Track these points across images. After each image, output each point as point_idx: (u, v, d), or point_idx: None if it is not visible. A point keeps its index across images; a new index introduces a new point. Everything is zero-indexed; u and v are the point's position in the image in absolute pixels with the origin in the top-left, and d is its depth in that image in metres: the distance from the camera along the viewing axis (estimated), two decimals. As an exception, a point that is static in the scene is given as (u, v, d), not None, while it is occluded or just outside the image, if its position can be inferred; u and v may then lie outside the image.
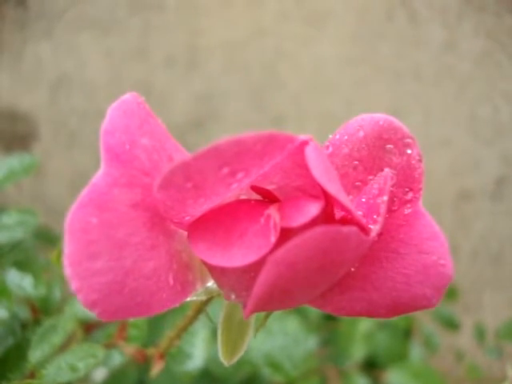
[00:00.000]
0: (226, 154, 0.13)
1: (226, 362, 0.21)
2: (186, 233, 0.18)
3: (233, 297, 0.18)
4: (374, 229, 0.15)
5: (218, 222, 0.16)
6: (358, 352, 0.67)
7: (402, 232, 0.17)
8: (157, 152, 0.16)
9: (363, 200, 0.17)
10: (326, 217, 0.15)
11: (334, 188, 0.14)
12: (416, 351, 0.74)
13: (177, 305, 0.17)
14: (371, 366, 0.70)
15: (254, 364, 0.46)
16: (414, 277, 0.16)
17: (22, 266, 0.55)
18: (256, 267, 0.15)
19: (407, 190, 0.17)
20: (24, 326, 0.53)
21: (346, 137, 0.18)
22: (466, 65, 0.90)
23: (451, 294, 0.98)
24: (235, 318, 0.20)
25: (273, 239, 0.15)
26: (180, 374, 0.47)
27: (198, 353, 0.45)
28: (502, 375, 0.79)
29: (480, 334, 0.88)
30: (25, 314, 0.54)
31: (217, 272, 0.17)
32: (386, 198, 0.15)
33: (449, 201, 1.00)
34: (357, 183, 0.18)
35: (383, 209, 0.15)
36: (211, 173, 0.14)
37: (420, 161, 0.17)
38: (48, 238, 0.85)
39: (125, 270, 0.15)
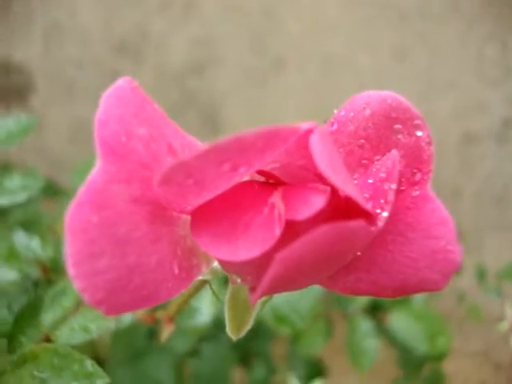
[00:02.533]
0: (226, 152, 0.13)
1: (233, 336, 0.21)
2: (189, 217, 0.17)
3: (238, 281, 0.18)
4: (382, 218, 0.15)
5: (221, 211, 0.15)
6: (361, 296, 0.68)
7: (410, 215, 0.16)
8: (155, 141, 0.15)
9: (370, 181, 0.17)
10: (332, 204, 0.15)
11: (341, 180, 0.13)
12: (418, 294, 0.76)
13: (183, 290, 0.17)
14: (375, 309, 0.71)
15: (260, 319, 0.48)
16: (422, 261, 0.16)
17: (29, 226, 0.56)
18: (261, 256, 0.15)
19: (415, 170, 0.17)
20: (36, 285, 0.54)
21: (351, 114, 0.17)
22: (473, 3, 0.85)
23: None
24: (241, 295, 0.20)
25: (278, 232, 0.14)
26: (188, 328, 0.48)
27: (205, 308, 0.46)
28: (501, 315, 0.81)
29: (481, 274, 0.90)
30: (36, 273, 0.55)
31: (221, 260, 0.17)
32: (394, 186, 0.15)
33: (453, 143, 0.99)
34: (363, 161, 0.18)
35: (391, 196, 0.15)
36: (212, 169, 0.13)
37: (430, 143, 0.16)
38: (52, 191, 0.85)
39: (128, 267, 0.15)
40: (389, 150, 0.17)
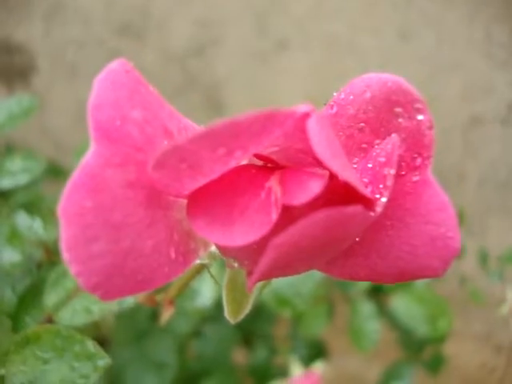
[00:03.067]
0: (221, 136, 0.12)
1: (231, 320, 0.21)
2: (185, 201, 0.17)
3: (235, 265, 0.18)
4: (380, 203, 0.14)
5: (217, 195, 0.15)
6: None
7: (409, 200, 0.16)
8: (150, 124, 0.15)
9: (369, 166, 0.16)
10: (330, 188, 0.14)
11: (338, 165, 0.13)
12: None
13: (180, 274, 0.17)
14: (376, 291, 0.72)
15: (262, 301, 0.48)
16: (421, 248, 0.16)
17: (31, 208, 0.56)
18: (257, 241, 0.15)
19: (416, 155, 0.16)
20: (39, 266, 0.55)
21: (351, 97, 0.17)
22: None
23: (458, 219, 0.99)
24: (239, 279, 0.20)
25: (274, 217, 0.14)
26: (189, 310, 0.49)
27: (206, 290, 0.47)
28: (502, 298, 0.82)
29: (483, 258, 0.90)
30: (39, 255, 0.56)
31: (218, 244, 0.17)
32: (393, 171, 0.14)
33: (459, 126, 0.98)
34: (363, 145, 0.17)
35: (390, 181, 0.14)
36: (206, 154, 0.13)
37: (431, 128, 0.16)
38: (55, 172, 0.85)
39: (124, 251, 0.14)
40: (389, 134, 0.17)
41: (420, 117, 0.16)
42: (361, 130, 0.17)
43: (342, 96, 0.17)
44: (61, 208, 0.14)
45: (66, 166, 0.84)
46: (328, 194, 0.14)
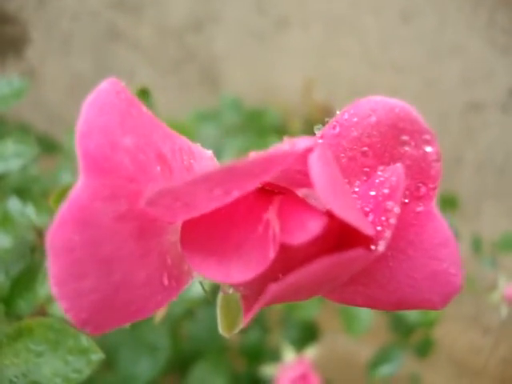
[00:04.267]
0: (218, 180, 0.12)
1: (225, 334, 0.21)
2: (180, 223, 0.16)
3: (230, 291, 0.17)
4: (382, 242, 0.14)
5: (213, 225, 0.15)
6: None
7: (413, 232, 0.15)
8: (142, 151, 0.14)
9: (372, 193, 0.16)
10: (330, 225, 0.14)
11: (339, 207, 0.12)
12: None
13: (174, 299, 0.17)
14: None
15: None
16: (422, 282, 0.15)
17: (23, 193, 0.55)
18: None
19: (420, 184, 0.16)
20: (32, 249, 0.54)
21: (355, 119, 0.16)
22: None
23: (451, 204, 0.99)
24: (233, 297, 0.20)
25: (272, 254, 0.13)
26: (184, 299, 0.49)
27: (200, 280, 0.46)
28: (493, 282, 0.82)
29: (477, 244, 0.90)
30: (32, 239, 0.55)
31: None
32: (397, 209, 0.14)
33: (457, 110, 0.97)
34: (365, 169, 0.17)
35: (393, 220, 0.14)
36: (202, 194, 0.12)
37: (438, 160, 0.15)
38: (49, 147, 0.84)
39: (114, 286, 0.14)
40: (394, 160, 0.16)
41: (428, 149, 0.15)
42: (364, 153, 0.16)
43: (346, 117, 0.16)
44: (48, 241, 0.13)
45: (60, 140, 0.82)
46: (328, 230, 0.14)
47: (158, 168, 0.15)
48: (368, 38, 0.93)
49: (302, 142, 0.13)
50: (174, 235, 0.17)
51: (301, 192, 0.17)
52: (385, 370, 0.75)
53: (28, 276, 0.51)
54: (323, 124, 0.18)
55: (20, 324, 0.33)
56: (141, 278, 0.14)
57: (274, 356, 0.70)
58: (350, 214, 0.12)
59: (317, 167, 0.12)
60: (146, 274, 0.15)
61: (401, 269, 0.16)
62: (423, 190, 0.16)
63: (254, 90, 1.07)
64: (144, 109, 0.15)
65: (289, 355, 0.63)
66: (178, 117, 0.90)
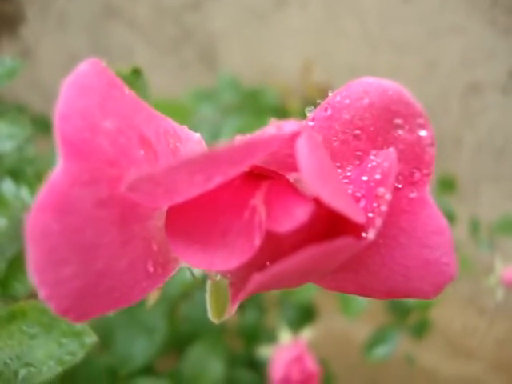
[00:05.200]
0: (199, 166, 0.11)
1: (215, 321, 0.20)
2: (165, 208, 0.16)
3: (218, 278, 0.17)
4: (372, 230, 0.13)
5: (198, 210, 0.14)
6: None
7: (405, 219, 0.15)
8: (123, 134, 0.14)
9: (364, 178, 0.15)
10: (318, 211, 0.13)
11: (328, 195, 0.12)
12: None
13: (160, 286, 0.16)
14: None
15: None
16: (414, 270, 0.15)
17: (17, 175, 0.54)
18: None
19: (414, 169, 0.15)
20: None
21: (347, 101, 0.15)
22: None
23: (449, 185, 0.99)
24: (221, 284, 0.19)
25: (257, 242, 0.13)
26: (180, 282, 0.49)
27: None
28: (489, 264, 0.82)
29: (474, 227, 0.90)
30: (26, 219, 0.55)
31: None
32: (389, 196, 0.13)
33: (457, 91, 0.96)
34: (358, 152, 0.16)
35: (384, 207, 0.13)
36: (184, 180, 0.12)
37: (432, 145, 0.15)
38: (46, 127, 0.83)
39: (97, 273, 0.13)
40: (387, 144, 0.15)
41: (422, 132, 0.14)
42: (356, 136, 0.16)
43: (338, 98, 0.16)
44: (27, 228, 0.13)
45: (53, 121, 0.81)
46: (317, 217, 0.13)
47: (142, 152, 0.14)
48: (368, 18, 0.91)
49: (288, 126, 0.12)
50: (159, 220, 0.16)
51: (291, 176, 0.17)
52: (380, 351, 0.75)
53: (23, 258, 0.51)
54: (315, 106, 0.17)
55: (13, 307, 0.33)
56: (124, 265, 0.14)
57: (271, 337, 0.70)
58: (339, 201, 0.12)
59: (304, 152, 0.12)
60: (130, 261, 0.14)
61: (392, 256, 0.15)
62: (417, 175, 0.15)
63: (252, 69, 1.05)
64: (127, 91, 0.14)
65: (285, 336, 0.63)
66: (175, 96, 0.89)
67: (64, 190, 0.12)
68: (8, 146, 0.50)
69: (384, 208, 0.13)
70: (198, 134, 0.17)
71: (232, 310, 0.12)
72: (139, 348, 0.60)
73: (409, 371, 0.92)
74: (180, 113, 0.79)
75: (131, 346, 0.61)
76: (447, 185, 0.97)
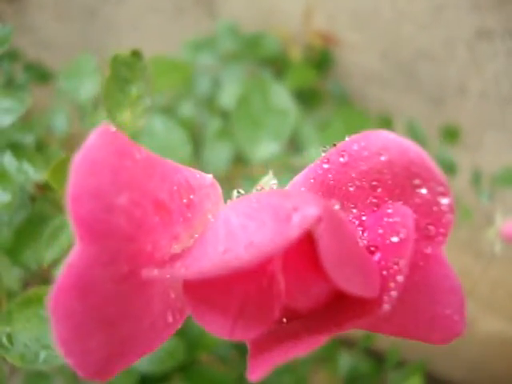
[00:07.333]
0: (215, 273, 0.11)
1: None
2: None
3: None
4: (386, 305, 0.13)
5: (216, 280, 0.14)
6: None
7: (418, 274, 0.15)
8: (138, 206, 0.13)
9: (380, 231, 0.15)
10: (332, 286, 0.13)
11: (345, 282, 0.12)
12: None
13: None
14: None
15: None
16: (423, 323, 0.15)
17: (17, 148, 0.54)
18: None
19: (429, 225, 0.15)
20: (33, 199, 0.54)
21: (366, 153, 0.15)
22: None
23: (453, 135, 0.98)
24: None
25: (276, 313, 0.13)
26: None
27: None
28: (490, 216, 0.83)
29: (476, 177, 0.90)
30: (30, 190, 0.55)
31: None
32: (405, 268, 0.13)
33: (465, 37, 0.92)
34: (373, 200, 0.16)
35: (401, 278, 0.13)
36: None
37: (450, 212, 0.14)
38: (41, 75, 0.81)
39: (121, 340, 0.14)
40: (404, 196, 0.15)
41: (442, 200, 0.14)
42: (373, 187, 0.15)
43: (355, 147, 0.15)
44: (50, 308, 0.13)
45: (49, 65, 0.79)
46: (332, 289, 0.13)
47: (157, 218, 0.14)
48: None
49: (310, 210, 0.12)
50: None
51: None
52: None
53: (32, 226, 0.52)
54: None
55: (28, 293, 0.34)
56: (146, 325, 0.14)
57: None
58: (356, 287, 0.12)
59: (323, 241, 0.11)
60: (151, 320, 0.15)
61: (403, 308, 0.15)
62: (432, 229, 0.15)
63: (251, 14, 1.01)
64: (138, 154, 0.14)
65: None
66: (172, 43, 0.86)
67: (84, 271, 0.13)
68: (6, 121, 0.49)
69: (401, 279, 0.13)
70: (210, 176, 0.17)
71: (253, 379, 0.13)
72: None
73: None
74: (180, 70, 0.77)
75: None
76: (450, 134, 0.96)
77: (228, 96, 0.76)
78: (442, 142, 0.94)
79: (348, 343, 0.87)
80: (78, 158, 0.13)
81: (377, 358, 0.85)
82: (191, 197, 0.15)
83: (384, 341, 0.84)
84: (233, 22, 0.92)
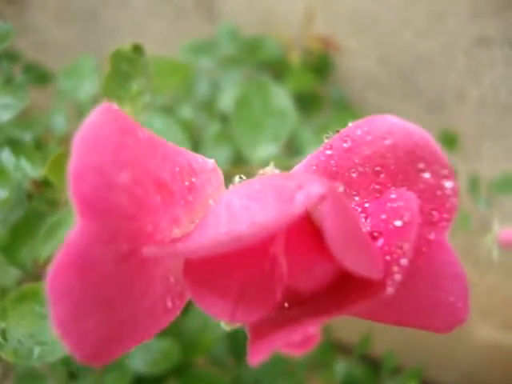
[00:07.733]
0: (220, 248, 0.11)
1: (227, 328, 0.21)
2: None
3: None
4: (390, 288, 0.13)
5: (217, 258, 0.14)
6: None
7: (421, 260, 0.15)
8: (140, 184, 0.13)
9: (383, 217, 0.15)
10: (336, 266, 0.13)
11: (350, 262, 0.11)
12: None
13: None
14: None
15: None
16: (426, 309, 0.15)
17: (15, 145, 0.54)
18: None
19: (433, 210, 0.15)
20: (30, 197, 0.54)
21: (369, 137, 0.15)
22: None
23: (451, 141, 0.98)
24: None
25: (278, 296, 0.13)
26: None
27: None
28: (487, 223, 0.83)
29: (474, 183, 0.90)
30: (28, 188, 0.55)
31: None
32: (410, 250, 0.13)
33: (464, 44, 0.93)
34: (376, 186, 0.16)
35: (405, 261, 0.13)
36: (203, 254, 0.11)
37: (454, 195, 0.14)
38: (40, 76, 0.81)
39: (119, 322, 0.14)
40: (407, 181, 0.15)
41: (446, 183, 0.14)
42: (376, 172, 0.15)
43: (359, 132, 0.15)
44: (48, 285, 0.13)
45: (49, 67, 0.79)
46: (336, 270, 0.13)
47: (158, 198, 0.14)
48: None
49: (314, 188, 0.12)
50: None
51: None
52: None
53: (28, 223, 0.51)
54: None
55: (23, 288, 0.34)
56: (145, 309, 0.14)
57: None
58: (360, 267, 0.12)
59: (328, 220, 0.11)
60: (150, 304, 0.14)
61: (405, 293, 0.15)
62: (436, 215, 0.15)
63: (251, 18, 1.01)
64: (141, 133, 0.14)
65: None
66: (172, 46, 0.86)
67: (84, 249, 0.12)
68: (5, 117, 0.49)
69: (405, 262, 0.13)
70: (212, 161, 0.17)
71: (253, 361, 0.13)
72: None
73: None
74: (179, 71, 0.77)
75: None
76: (448, 140, 0.97)
77: (227, 99, 0.77)
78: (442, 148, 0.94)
79: (344, 349, 0.87)
80: (80, 135, 0.12)
81: (373, 365, 0.85)
82: (193, 180, 0.15)
83: (380, 347, 0.84)
84: (233, 25, 0.93)
